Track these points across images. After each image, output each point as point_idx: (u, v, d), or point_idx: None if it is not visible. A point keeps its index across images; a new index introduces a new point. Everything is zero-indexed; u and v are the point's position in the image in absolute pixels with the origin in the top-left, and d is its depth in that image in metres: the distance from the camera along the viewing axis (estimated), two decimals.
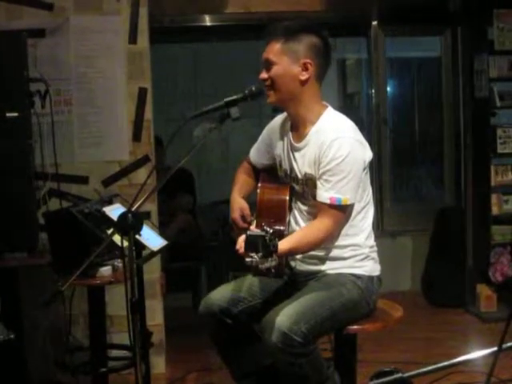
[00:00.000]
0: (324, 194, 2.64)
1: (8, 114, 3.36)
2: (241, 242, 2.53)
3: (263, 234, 2.35)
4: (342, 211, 2.65)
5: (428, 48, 6.64)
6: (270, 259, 2.36)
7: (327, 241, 2.69)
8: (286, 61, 2.67)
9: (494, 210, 5.12)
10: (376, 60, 5.88)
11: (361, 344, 2.88)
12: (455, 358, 3.68)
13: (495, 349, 3.29)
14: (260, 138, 3.02)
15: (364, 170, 2.70)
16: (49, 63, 3.91)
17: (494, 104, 5.06)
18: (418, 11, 5.60)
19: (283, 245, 2.52)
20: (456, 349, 4.18)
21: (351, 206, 2.68)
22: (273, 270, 2.49)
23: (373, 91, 5.94)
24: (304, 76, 2.68)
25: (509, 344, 3.41)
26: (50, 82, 3.64)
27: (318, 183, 2.66)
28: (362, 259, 2.76)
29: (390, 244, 5.76)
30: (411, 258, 5.94)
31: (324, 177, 2.64)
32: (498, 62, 5.05)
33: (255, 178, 3.02)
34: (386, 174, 5.98)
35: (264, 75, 2.71)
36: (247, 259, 2.37)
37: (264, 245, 2.33)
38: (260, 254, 2.34)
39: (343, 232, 2.73)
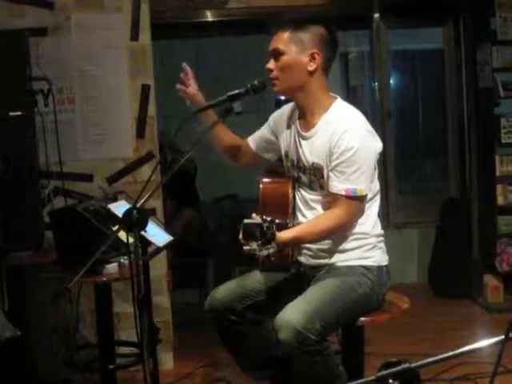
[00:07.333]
0: (339, 186, 2.63)
1: (11, 114, 3.36)
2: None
3: (260, 221, 2.37)
4: (358, 202, 2.66)
5: (430, 39, 6.63)
6: (268, 246, 2.38)
7: (339, 231, 2.68)
8: (294, 50, 2.66)
9: (500, 200, 5.11)
10: (378, 52, 5.86)
11: (368, 336, 2.87)
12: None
13: (502, 337, 3.29)
14: (264, 125, 2.97)
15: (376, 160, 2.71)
16: (51, 62, 3.90)
17: (498, 94, 5.04)
18: (420, 2, 5.59)
19: (287, 233, 2.55)
20: (463, 340, 4.16)
21: (366, 196, 2.69)
22: (272, 258, 2.52)
23: (376, 84, 5.93)
24: (312, 66, 2.68)
25: None
26: (53, 81, 3.65)
27: (332, 174, 2.65)
28: (370, 249, 2.75)
29: (396, 236, 5.75)
30: (417, 249, 5.93)
31: (338, 168, 2.63)
32: (501, 52, 5.03)
33: (235, 141, 3.01)
34: (391, 167, 5.96)
35: (272, 65, 2.69)
36: (245, 247, 2.38)
37: (262, 232, 2.35)
38: (259, 242, 2.35)
39: None
